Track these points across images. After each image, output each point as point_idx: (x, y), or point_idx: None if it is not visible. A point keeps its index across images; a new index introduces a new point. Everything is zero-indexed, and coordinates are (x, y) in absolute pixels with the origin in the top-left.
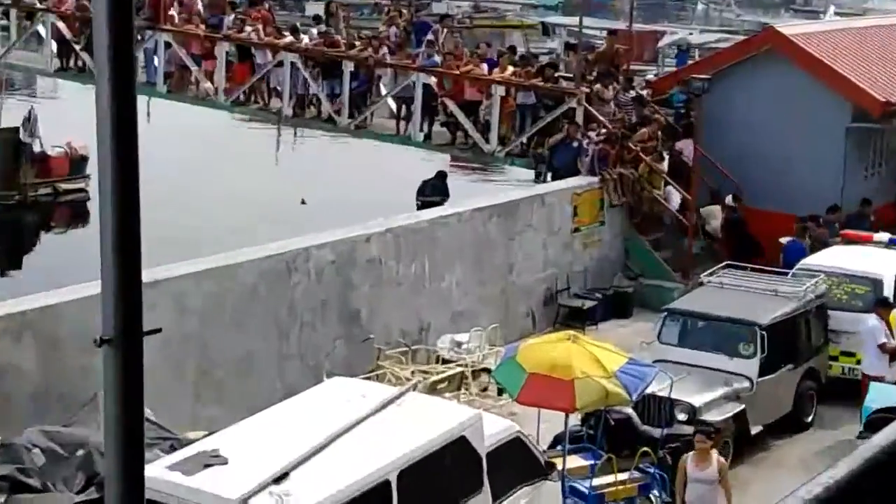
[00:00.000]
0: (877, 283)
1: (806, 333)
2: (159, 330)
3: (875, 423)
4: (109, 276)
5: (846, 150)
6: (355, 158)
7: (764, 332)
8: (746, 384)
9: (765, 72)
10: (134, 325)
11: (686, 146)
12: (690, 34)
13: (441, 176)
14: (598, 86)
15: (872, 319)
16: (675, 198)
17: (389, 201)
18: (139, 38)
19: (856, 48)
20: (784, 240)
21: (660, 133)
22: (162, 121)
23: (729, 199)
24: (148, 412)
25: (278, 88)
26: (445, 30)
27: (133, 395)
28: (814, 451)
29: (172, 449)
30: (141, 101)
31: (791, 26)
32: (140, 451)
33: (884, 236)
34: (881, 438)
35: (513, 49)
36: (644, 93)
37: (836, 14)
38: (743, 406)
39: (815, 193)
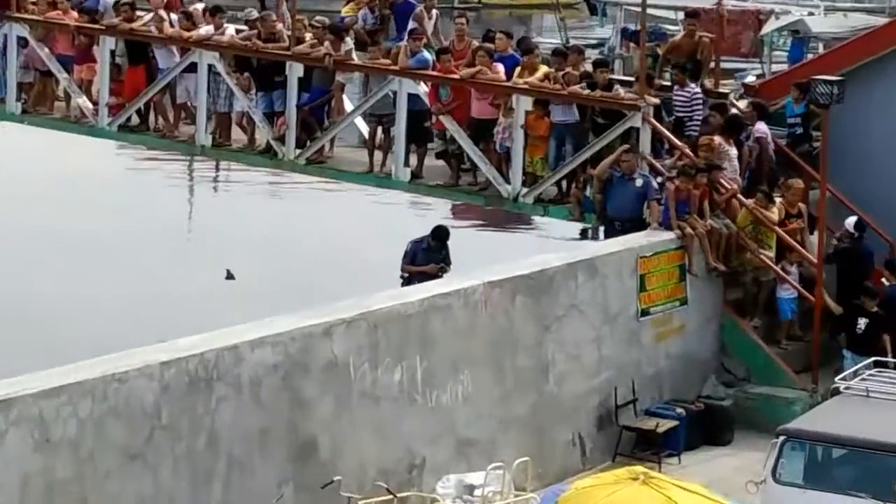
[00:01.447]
0: None
1: None
2: None
3: None
4: None
5: None
6: (308, 208)
7: None
8: None
9: None
10: None
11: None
12: (811, 14)
13: (439, 235)
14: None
15: None
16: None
17: (361, 273)
18: None
19: None
20: None
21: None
22: (13, 160)
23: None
24: None
25: (190, 105)
26: (435, 12)
27: None
28: None
29: None
30: None
31: None
32: None
33: None
34: None
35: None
36: (740, 103)
37: None
38: None
39: None
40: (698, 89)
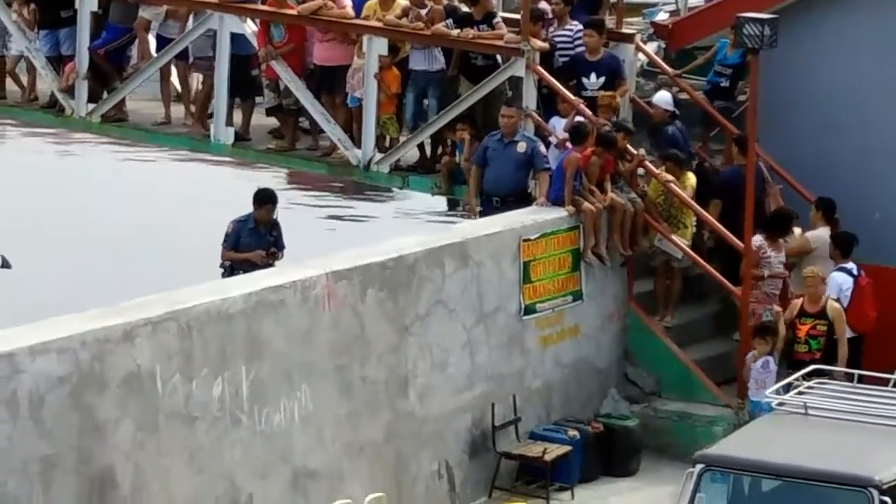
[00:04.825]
0: None
1: None
2: None
3: None
4: None
5: None
6: (102, 176)
7: (886, 499)
8: None
9: (872, 8)
10: None
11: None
12: None
13: (263, 198)
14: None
15: None
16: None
17: (171, 261)
18: None
19: None
20: None
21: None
22: None
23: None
24: None
25: None
26: None
27: None
28: None
29: None
30: None
31: None
32: None
33: None
34: None
35: None
36: (649, 47)
37: None
38: None
39: None
40: (576, 29)
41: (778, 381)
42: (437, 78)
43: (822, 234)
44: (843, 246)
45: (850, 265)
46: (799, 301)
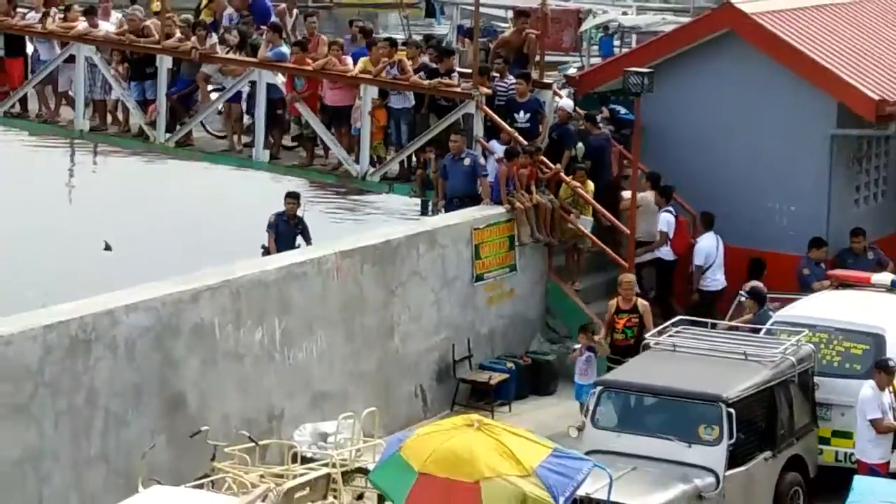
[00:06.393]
0: (877, 340)
1: (787, 410)
2: None
3: None
4: None
5: (832, 164)
6: (178, 186)
7: (731, 410)
8: (710, 480)
9: (723, 63)
10: None
11: None
12: (624, 13)
13: (292, 194)
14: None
15: (868, 388)
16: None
17: (226, 243)
18: None
19: (840, 30)
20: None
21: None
22: None
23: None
24: None
25: (70, 94)
26: (295, 10)
27: None
28: None
29: None
30: None
31: (755, 2)
32: None
33: (885, 278)
34: None
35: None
36: (564, 93)
37: None
38: None
39: (791, 224)
40: (511, 81)
41: (597, 370)
42: (409, 112)
43: (647, 195)
44: (665, 195)
45: (670, 209)
46: (615, 301)
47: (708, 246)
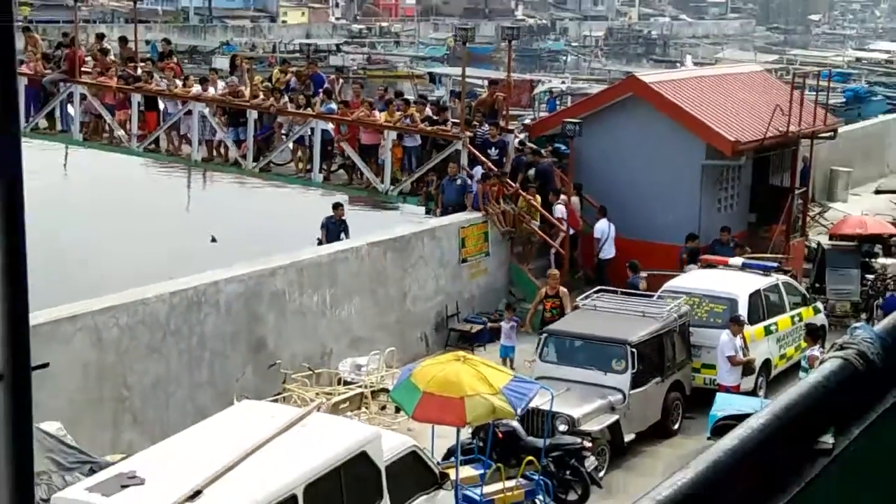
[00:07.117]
0: (732, 303)
1: (671, 349)
2: (47, 364)
3: (720, 430)
4: None
5: (702, 184)
6: (261, 199)
7: (634, 350)
8: (620, 397)
9: (629, 115)
10: (23, 360)
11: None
12: (563, 82)
13: (336, 204)
14: (482, 129)
15: (725, 335)
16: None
17: (293, 237)
18: (55, 90)
19: (709, 93)
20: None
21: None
22: (78, 169)
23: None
24: (68, 437)
25: (188, 135)
26: (341, 80)
27: (23, 430)
28: (679, 455)
29: (92, 472)
30: (58, 148)
31: (651, 74)
32: (30, 483)
33: (737, 261)
34: (725, 443)
35: (398, 94)
36: (522, 136)
37: (694, 63)
38: (617, 417)
39: (676, 224)
40: (486, 128)
41: (518, 339)
42: (418, 148)
43: (576, 200)
44: (577, 192)
45: (561, 204)
46: (544, 289)
47: (601, 227)
